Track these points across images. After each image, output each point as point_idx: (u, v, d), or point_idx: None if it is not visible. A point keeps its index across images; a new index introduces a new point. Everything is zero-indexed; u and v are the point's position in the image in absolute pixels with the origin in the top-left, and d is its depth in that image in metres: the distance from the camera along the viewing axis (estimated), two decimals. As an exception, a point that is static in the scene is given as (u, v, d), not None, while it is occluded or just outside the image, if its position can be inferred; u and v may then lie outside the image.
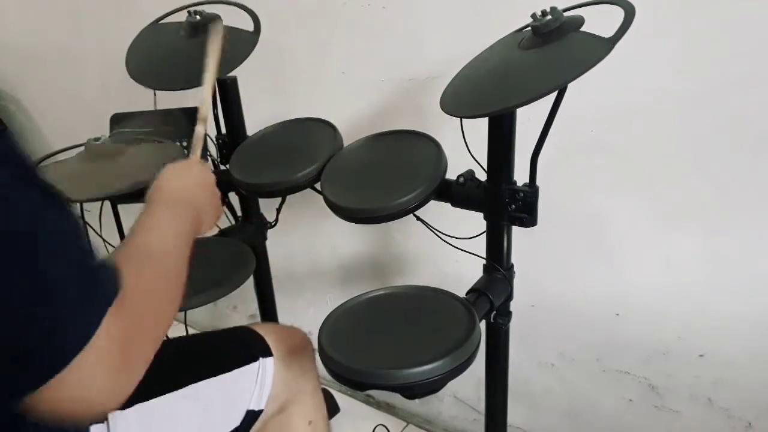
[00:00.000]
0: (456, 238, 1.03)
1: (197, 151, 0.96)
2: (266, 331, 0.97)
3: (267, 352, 0.94)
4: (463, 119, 0.90)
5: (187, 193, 0.80)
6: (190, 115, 1.31)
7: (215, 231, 1.30)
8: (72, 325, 0.49)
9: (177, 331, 1.37)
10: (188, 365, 0.90)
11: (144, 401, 0.81)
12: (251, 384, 0.91)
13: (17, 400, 0.48)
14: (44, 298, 0.48)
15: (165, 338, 1.12)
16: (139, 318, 0.56)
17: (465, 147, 0.95)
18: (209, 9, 1.22)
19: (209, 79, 1.01)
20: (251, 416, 0.90)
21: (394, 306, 0.94)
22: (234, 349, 0.94)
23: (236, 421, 0.88)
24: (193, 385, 0.85)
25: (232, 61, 1.14)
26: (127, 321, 0.53)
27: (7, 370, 0.48)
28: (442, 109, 0.87)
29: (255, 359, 0.92)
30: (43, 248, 0.48)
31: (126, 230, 1.30)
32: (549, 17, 0.81)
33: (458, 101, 0.89)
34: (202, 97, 1.00)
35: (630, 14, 0.76)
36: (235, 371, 0.90)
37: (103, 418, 0.58)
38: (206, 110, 0.99)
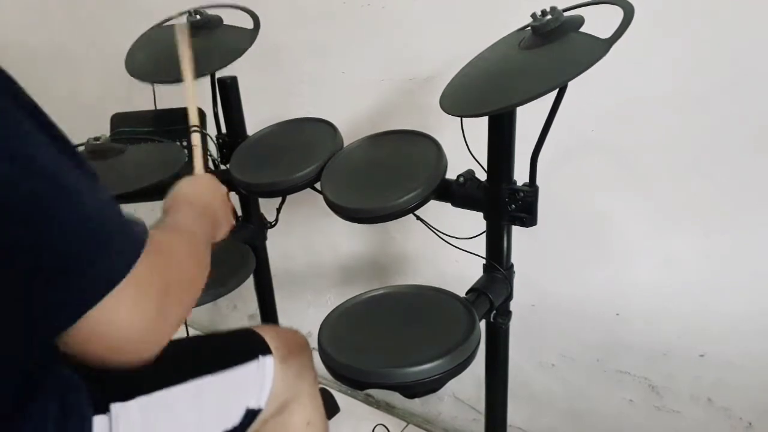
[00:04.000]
0: (456, 238, 1.03)
1: (199, 163, 0.98)
2: (265, 332, 0.98)
3: (267, 351, 0.94)
4: (463, 118, 0.91)
5: (203, 200, 0.84)
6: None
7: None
8: (119, 250, 0.53)
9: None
10: (190, 362, 0.90)
11: (146, 394, 0.82)
12: (251, 382, 0.91)
13: (65, 325, 0.51)
14: (96, 221, 0.53)
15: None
16: (172, 266, 0.61)
17: (465, 147, 0.95)
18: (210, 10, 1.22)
19: (189, 84, 1.02)
20: (251, 415, 0.90)
21: (394, 306, 0.94)
22: (235, 348, 0.95)
23: (236, 419, 0.88)
24: (194, 381, 0.86)
25: (232, 55, 1.14)
26: (163, 263, 0.58)
27: (55, 296, 0.51)
28: (442, 108, 0.87)
29: (255, 357, 0.92)
30: (82, 188, 0.53)
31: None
32: (549, 17, 0.81)
33: (458, 101, 0.89)
34: (187, 105, 1.01)
35: (629, 14, 0.76)
36: (236, 368, 0.90)
37: (141, 362, 0.61)
38: (194, 117, 1.02)
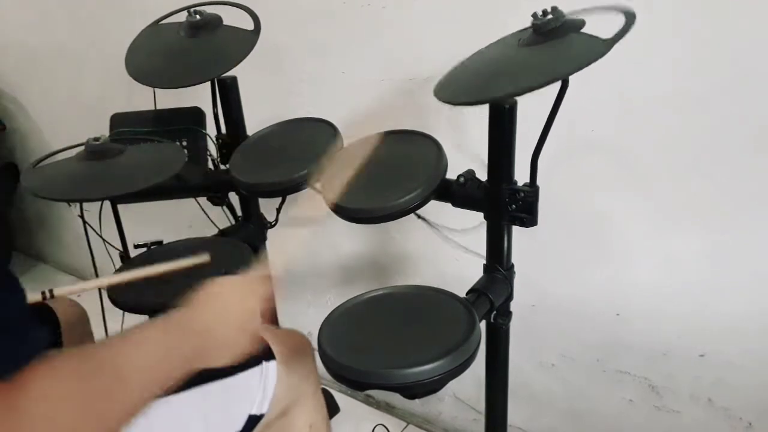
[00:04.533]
0: (456, 231, 1.03)
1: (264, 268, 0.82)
2: (268, 334, 0.97)
3: (270, 356, 0.93)
4: (463, 117, 0.90)
5: (208, 321, 0.68)
6: (190, 114, 1.31)
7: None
8: None
9: (177, 331, 1.37)
10: None
11: None
12: (254, 388, 0.90)
13: None
14: None
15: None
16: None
17: (465, 147, 0.95)
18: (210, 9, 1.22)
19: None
20: (253, 420, 0.89)
21: (394, 306, 0.94)
22: None
23: (238, 425, 0.88)
24: (196, 388, 0.85)
25: (232, 61, 1.14)
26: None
27: None
28: (436, 96, 0.86)
29: (258, 363, 0.92)
30: None
31: (126, 230, 1.30)
32: (550, 17, 0.81)
33: (454, 89, 0.88)
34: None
35: (630, 18, 0.76)
36: (239, 375, 0.89)
37: None
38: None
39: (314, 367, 1.03)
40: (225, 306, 0.70)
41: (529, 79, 0.76)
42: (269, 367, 0.92)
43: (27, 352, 0.46)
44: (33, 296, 0.83)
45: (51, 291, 0.85)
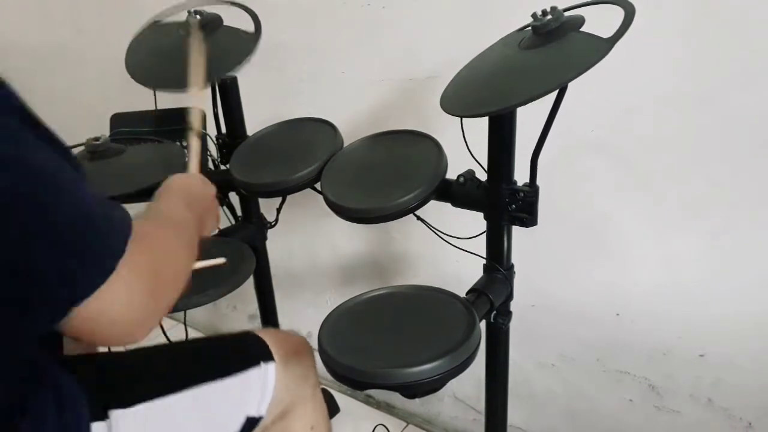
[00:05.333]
0: (456, 237, 1.03)
1: (194, 163, 0.99)
2: (267, 336, 0.97)
3: (269, 357, 0.93)
4: (463, 119, 0.91)
5: (192, 195, 0.85)
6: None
7: (215, 231, 1.30)
8: (110, 242, 0.56)
9: (177, 331, 1.37)
10: (192, 368, 0.90)
11: (147, 401, 0.81)
12: (253, 389, 0.90)
13: (62, 316, 0.54)
14: (84, 221, 0.54)
15: (168, 342, 1.11)
16: (159, 251, 0.63)
17: (465, 147, 0.95)
18: (210, 9, 1.22)
19: (198, 88, 1.03)
20: (251, 422, 0.89)
21: (394, 306, 0.94)
22: (237, 353, 0.94)
23: (236, 427, 0.88)
24: (194, 388, 0.85)
25: (233, 61, 1.14)
26: (150, 249, 0.61)
27: (52, 288, 0.53)
28: (443, 108, 0.87)
29: (257, 363, 0.91)
30: (68, 184, 0.55)
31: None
32: (549, 17, 0.81)
33: (458, 101, 0.89)
34: (192, 108, 1.02)
35: (630, 14, 0.76)
36: (238, 375, 0.89)
37: (132, 342, 0.64)
38: (198, 121, 1.02)
39: (314, 368, 1.03)
40: (195, 187, 0.87)
41: (535, 87, 0.76)
42: (268, 369, 0.92)
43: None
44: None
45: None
